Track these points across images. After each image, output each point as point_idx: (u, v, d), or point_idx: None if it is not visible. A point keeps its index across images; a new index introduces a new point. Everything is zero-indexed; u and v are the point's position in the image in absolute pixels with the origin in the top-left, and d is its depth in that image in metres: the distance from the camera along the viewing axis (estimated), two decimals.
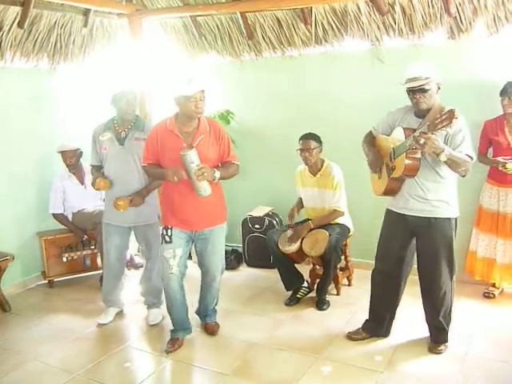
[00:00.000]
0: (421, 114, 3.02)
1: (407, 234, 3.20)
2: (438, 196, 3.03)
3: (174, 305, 3.44)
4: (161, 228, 3.39)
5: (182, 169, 3.02)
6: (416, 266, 3.27)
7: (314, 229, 4.06)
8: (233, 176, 3.33)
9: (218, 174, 3.11)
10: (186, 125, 3.15)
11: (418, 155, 2.88)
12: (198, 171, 2.98)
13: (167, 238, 3.28)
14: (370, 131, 3.38)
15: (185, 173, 3.03)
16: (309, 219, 4.29)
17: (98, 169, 3.80)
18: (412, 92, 2.93)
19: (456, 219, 3.13)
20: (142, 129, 3.70)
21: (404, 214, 3.14)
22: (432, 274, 3.15)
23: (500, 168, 3.75)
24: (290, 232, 4.10)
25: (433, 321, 3.28)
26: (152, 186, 3.72)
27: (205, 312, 3.69)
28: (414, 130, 2.88)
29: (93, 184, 3.73)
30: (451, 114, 2.53)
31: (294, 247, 4.00)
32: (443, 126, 2.57)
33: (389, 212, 3.28)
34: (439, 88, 2.97)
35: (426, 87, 2.88)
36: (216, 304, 3.70)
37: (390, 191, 3.12)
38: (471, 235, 4.14)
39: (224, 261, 3.55)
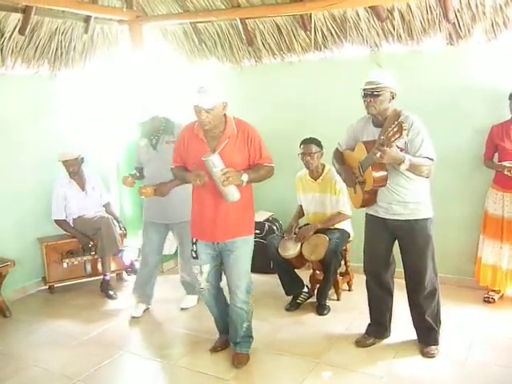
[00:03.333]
0: (377, 121, 3.12)
1: (389, 237, 3.28)
2: (413, 198, 3.11)
3: (213, 314, 3.47)
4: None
5: (206, 174, 2.94)
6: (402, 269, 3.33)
7: (317, 232, 4.06)
8: (264, 179, 3.16)
9: (245, 178, 2.96)
10: (210, 129, 3.05)
11: (384, 165, 2.95)
12: (222, 176, 2.86)
13: (193, 254, 3.22)
14: (337, 148, 3.47)
15: (208, 177, 2.95)
16: (309, 224, 4.29)
17: (140, 171, 4.04)
18: (365, 95, 3.04)
19: (432, 219, 3.20)
20: (171, 132, 3.82)
21: (384, 218, 3.21)
22: (417, 274, 3.22)
23: (506, 173, 3.74)
24: (291, 236, 4.13)
25: (420, 321, 3.33)
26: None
27: (235, 338, 3.37)
28: (374, 142, 2.96)
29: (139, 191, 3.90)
30: (400, 128, 2.64)
31: (293, 252, 4.01)
32: (396, 139, 2.68)
33: (369, 216, 3.36)
34: (393, 97, 3.06)
35: (377, 92, 2.99)
36: (247, 331, 3.36)
37: (367, 202, 3.21)
38: (479, 241, 4.11)
39: (250, 279, 3.29)
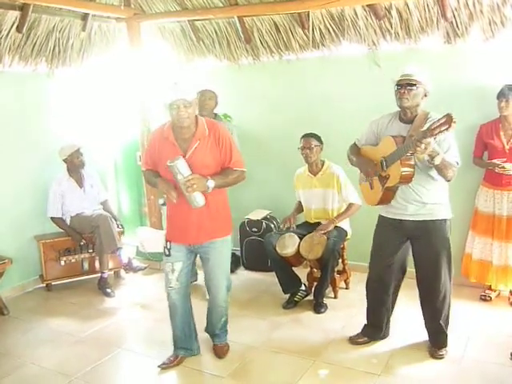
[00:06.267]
0: (406, 118, 3.05)
1: (402, 239, 3.21)
2: (433, 199, 3.05)
3: (174, 319, 3.34)
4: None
5: (173, 184, 2.90)
6: (414, 270, 3.27)
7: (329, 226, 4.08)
8: (235, 183, 3.10)
9: (211, 184, 2.89)
10: (181, 131, 2.96)
11: (413, 162, 2.90)
12: (186, 183, 2.81)
13: (166, 252, 3.17)
14: (354, 143, 3.40)
15: (175, 188, 2.91)
16: (308, 222, 4.31)
17: None
18: (399, 86, 2.98)
19: (450, 220, 3.16)
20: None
21: (400, 220, 3.14)
22: (432, 277, 3.15)
23: (497, 170, 3.77)
24: (290, 234, 4.14)
25: (433, 325, 3.27)
26: None
27: (213, 331, 3.44)
28: (404, 138, 2.93)
29: None
30: (449, 119, 2.54)
31: (291, 250, 4.01)
32: (441, 131, 2.57)
33: (382, 218, 3.28)
34: (426, 95, 3.01)
35: (413, 86, 2.93)
36: (225, 323, 3.42)
37: (385, 200, 3.13)
38: (467, 238, 4.16)
39: (229, 277, 3.29)
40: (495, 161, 3.80)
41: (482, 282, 4.09)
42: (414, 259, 3.25)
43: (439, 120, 2.58)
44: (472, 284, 4.15)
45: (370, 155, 3.20)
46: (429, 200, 3.05)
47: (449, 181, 2.96)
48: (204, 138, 2.99)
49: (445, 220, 3.11)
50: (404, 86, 2.95)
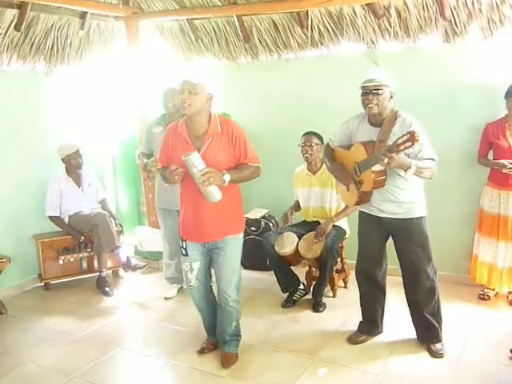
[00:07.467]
0: (375, 121, 3.07)
1: (383, 234, 3.28)
2: (408, 197, 3.10)
3: (201, 313, 3.40)
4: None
5: (187, 174, 2.87)
6: (399, 267, 3.32)
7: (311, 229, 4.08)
8: (250, 179, 3.07)
9: (227, 177, 2.87)
10: (194, 127, 2.97)
11: (383, 169, 2.95)
12: (201, 176, 2.78)
13: (183, 251, 3.16)
14: (328, 144, 3.44)
15: (183, 174, 2.89)
16: (306, 221, 4.31)
17: (147, 157, 4.16)
18: (365, 93, 2.99)
19: (425, 217, 3.20)
20: None
21: (379, 216, 3.20)
22: (415, 272, 3.20)
23: (505, 170, 3.69)
24: (288, 233, 4.13)
25: (419, 319, 3.30)
26: None
27: (222, 336, 3.31)
28: (373, 143, 2.96)
29: (147, 166, 4.00)
30: (412, 136, 2.60)
31: (290, 249, 4.01)
32: (406, 147, 2.65)
33: (362, 214, 3.34)
34: (392, 97, 3.03)
35: (380, 91, 2.95)
36: (236, 330, 3.32)
37: (362, 202, 3.20)
38: (474, 239, 4.11)
39: (239, 278, 3.22)
40: (503, 161, 3.71)
41: (487, 285, 4.02)
42: (396, 256, 3.29)
43: (403, 137, 2.66)
44: (471, 283, 4.14)
45: (344, 159, 3.26)
46: (404, 199, 3.09)
47: (430, 179, 3.02)
48: (217, 134, 2.98)
49: (421, 217, 3.16)
50: (371, 91, 2.96)
